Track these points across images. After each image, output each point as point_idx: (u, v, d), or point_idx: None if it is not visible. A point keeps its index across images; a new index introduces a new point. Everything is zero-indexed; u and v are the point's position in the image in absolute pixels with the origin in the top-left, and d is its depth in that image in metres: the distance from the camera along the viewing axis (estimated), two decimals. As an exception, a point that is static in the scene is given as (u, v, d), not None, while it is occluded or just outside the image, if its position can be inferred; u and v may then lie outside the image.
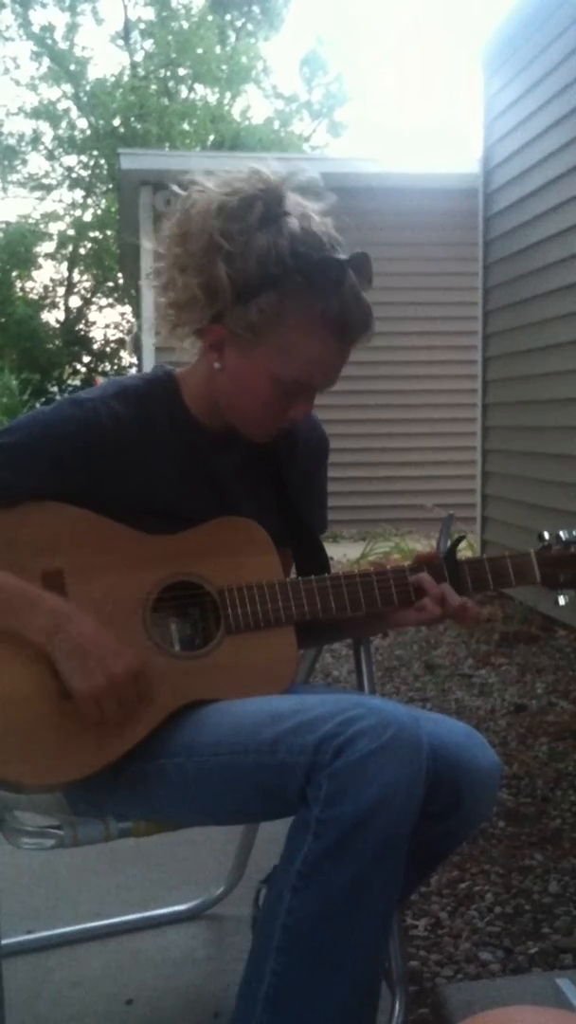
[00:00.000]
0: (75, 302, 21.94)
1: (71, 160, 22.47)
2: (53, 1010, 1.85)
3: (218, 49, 22.52)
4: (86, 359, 20.73)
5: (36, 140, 22.34)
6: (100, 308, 22.24)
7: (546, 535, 1.58)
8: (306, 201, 1.48)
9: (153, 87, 22.23)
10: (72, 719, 1.41)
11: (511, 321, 5.64)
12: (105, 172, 21.37)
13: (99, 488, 1.50)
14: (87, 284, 22.09)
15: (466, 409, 7.01)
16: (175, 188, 1.50)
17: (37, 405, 13.00)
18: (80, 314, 21.77)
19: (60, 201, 23.12)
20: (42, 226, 21.73)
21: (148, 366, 7.07)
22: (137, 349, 10.67)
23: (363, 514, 8.31)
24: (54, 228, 21.85)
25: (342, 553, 6.40)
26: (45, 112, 22.01)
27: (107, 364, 20.60)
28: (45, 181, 22.50)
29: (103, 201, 21.83)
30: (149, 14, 22.77)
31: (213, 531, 1.53)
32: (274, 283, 1.42)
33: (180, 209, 1.48)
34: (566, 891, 2.25)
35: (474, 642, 4.70)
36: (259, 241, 1.42)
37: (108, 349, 20.97)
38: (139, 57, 23.10)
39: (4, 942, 1.97)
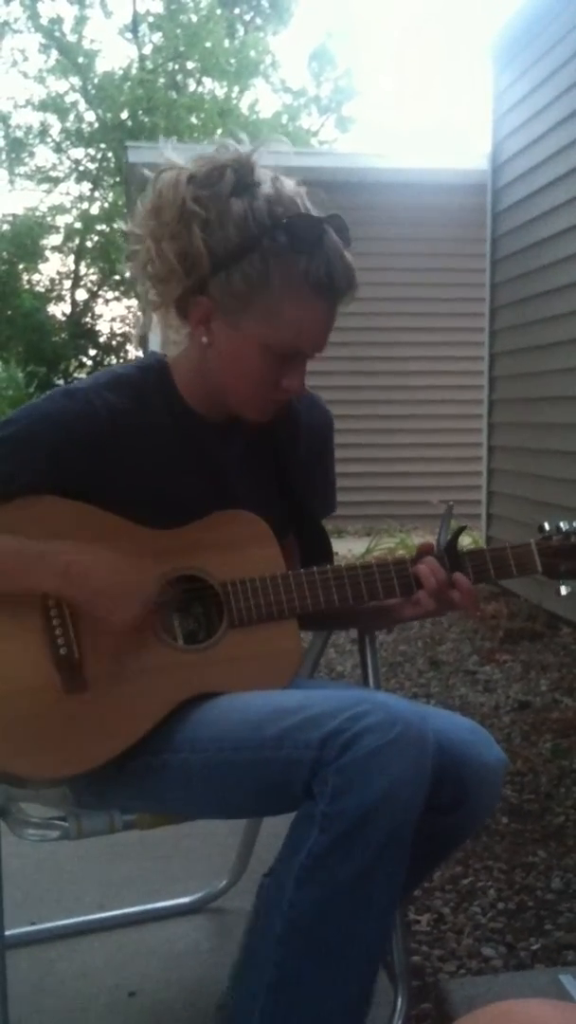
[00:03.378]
0: (81, 295, 21.90)
1: (78, 153, 22.44)
2: (56, 1002, 1.86)
3: (226, 43, 22.43)
4: (92, 352, 20.67)
5: (44, 133, 22.29)
6: (106, 301, 22.20)
7: (546, 525, 1.59)
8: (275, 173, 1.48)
9: (161, 80, 22.15)
10: (76, 713, 1.41)
11: (518, 317, 5.63)
12: (112, 165, 21.31)
13: (97, 479, 1.50)
14: (93, 277, 22.03)
15: (472, 405, 7.01)
16: (146, 172, 1.51)
17: (43, 398, 12.95)
18: (86, 307, 21.72)
19: (67, 194, 23.07)
20: (49, 219, 21.66)
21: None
22: (143, 342, 10.66)
23: (368, 509, 8.31)
24: (61, 221, 21.79)
25: (347, 548, 6.41)
26: (53, 105, 21.95)
27: (113, 357, 20.54)
28: (52, 174, 22.45)
29: (110, 194, 21.76)
30: (158, 7, 22.74)
31: (214, 524, 1.53)
32: (255, 246, 1.41)
33: (151, 186, 1.48)
34: (569, 887, 2.25)
35: (478, 639, 4.70)
36: (234, 207, 1.42)
37: (114, 342, 20.92)
38: (147, 50, 23.03)
39: (7, 933, 1.97)
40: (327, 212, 1.46)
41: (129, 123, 20.98)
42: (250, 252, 1.41)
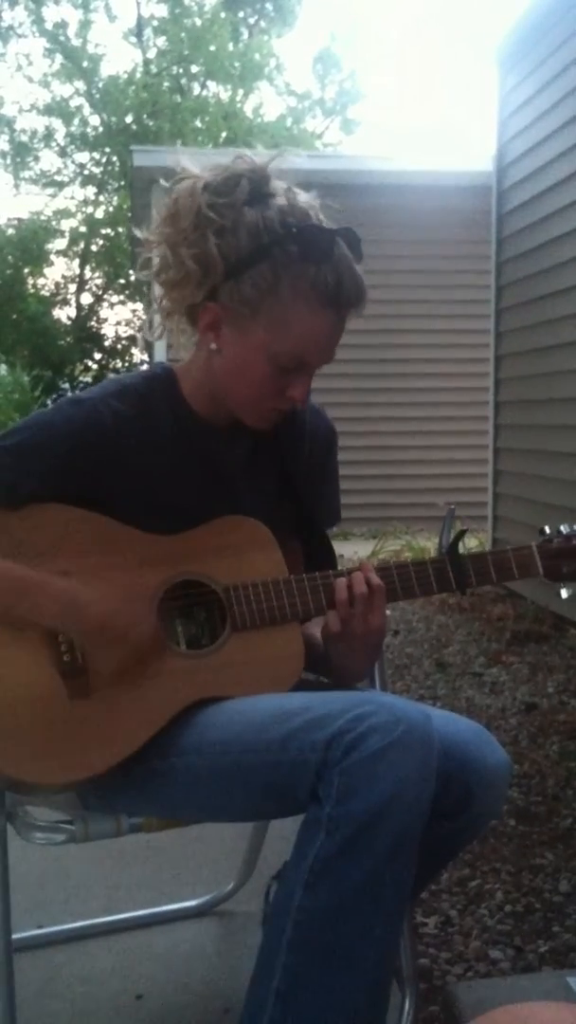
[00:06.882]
0: (87, 299, 21.90)
1: (83, 157, 22.44)
2: (63, 1005, 1.86)
3: (231, 46, 22.44)
4: (97, 356, 20.69)
5: (49, 137, 22.31)
6: (112, 305, 22.21)
7: (547, 529, 1.59)
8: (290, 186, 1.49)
9: (166, 84, 22.17)
10: (81, 719, 1.42)
11: (524, 319, 5.62)
12: (117, 169, 21.34)
13: (102, 488, 1.51)
14: (99, 281, 22.04)
15: (478, 407, 7.00)
16: (162, 182, 1.52)
17: (48, 402, 13.00)
18: (92, 311, 21.74)
19: (72, 198, 23.12)
20: (54, 223, 21.67)
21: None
22: (148, 346, 10.68)
23: (374, 512, 8.29)
24: (66, 225, 21.80)
25: (352, 551, 6.40)
26: (58, 109, 21.98)
27: (118, 361, 20.56)
28: (57, 178, 22.46)
29: (115, 198, 21.79)
30: (162, 11, 22.70)
31: (217, 530, 1.54)
32: (266, 254, 1.42)
33: (168, 194, 1.50)
34: (577, 890, 2.25)
35: (485, 641, 4.70)
36: (248, 216, 1.43)
37: (120, 346, 20.94)
38: (152, 54, 23.04)
39: (14, 937, 1.97)
40: (340, 225, 1.47)
41: (134, 127, 21.01)
42: (260, 261, 1.43)
